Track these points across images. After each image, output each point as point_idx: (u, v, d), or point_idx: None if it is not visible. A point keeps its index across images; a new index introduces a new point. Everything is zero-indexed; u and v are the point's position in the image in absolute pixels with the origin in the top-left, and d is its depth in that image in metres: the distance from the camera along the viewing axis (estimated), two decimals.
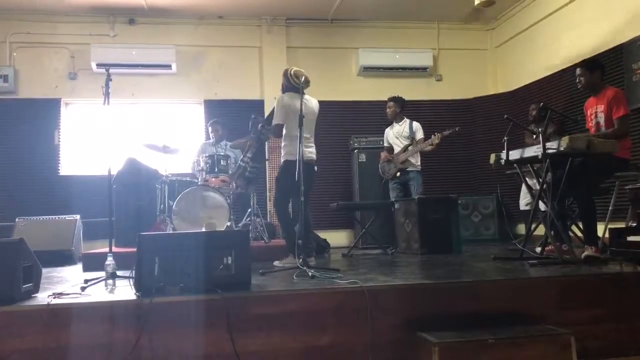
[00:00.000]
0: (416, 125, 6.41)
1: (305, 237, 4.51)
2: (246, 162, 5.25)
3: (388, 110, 6.62)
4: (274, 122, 4.77)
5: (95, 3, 7.40)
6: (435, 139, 6.03)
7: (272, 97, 7.98)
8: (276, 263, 4.62)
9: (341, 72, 8.37)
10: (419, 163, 6.36)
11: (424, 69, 8.42)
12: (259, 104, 8.02)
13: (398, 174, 6.40)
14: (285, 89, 4.85)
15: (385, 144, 6.74)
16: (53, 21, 7.60)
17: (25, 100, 7.49)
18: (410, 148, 6.31)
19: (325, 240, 6.44)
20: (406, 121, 6.50)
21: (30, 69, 7.60)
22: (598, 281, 3.40)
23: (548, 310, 3.18)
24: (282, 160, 4.84)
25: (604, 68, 4.65)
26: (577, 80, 4.64)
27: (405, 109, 6.65)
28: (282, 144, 4.84)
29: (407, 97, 6.76)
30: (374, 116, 8.00)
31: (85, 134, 7.78)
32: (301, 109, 4.32)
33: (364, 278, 3.45)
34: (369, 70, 8.32)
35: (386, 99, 6.73)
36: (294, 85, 4.73)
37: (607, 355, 3.16)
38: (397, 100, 6.59)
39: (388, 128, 6.72)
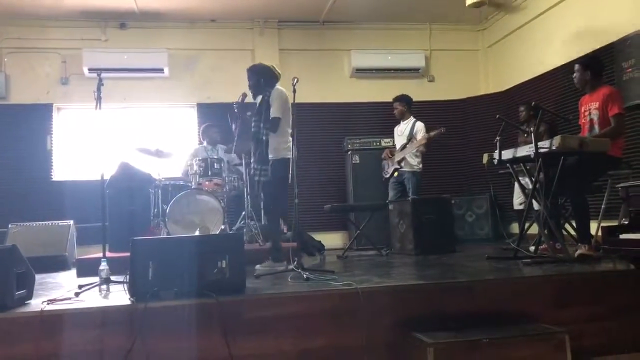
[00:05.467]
0: (419, 125, 6.40)
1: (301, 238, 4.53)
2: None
3: (395, 110, 6.66)
4: (275, 115, 4.58)
5: (86, 8, 7.38)
6: (422, 139, 6.09)
7: None
8: (258, 267, 4.51)
9: (334, 73, 8.38)
10: (416, 164, 6.35)
11: (417, 70, 8.44)
12: (252, 107, 8.00)
13: (395, 173, 6.43)
14: (265, 84, 4.73)
15: (394, 142, 6.80)
16: (44, 26, 7.57)
17: (17, 106, 7.46)
18: (407, 146, 6.34)
19: (319, 242, 6.43)
20: (411, 120, 6.52)
21: (21, 74, 7.57)
22: (591, 279, 3.42)
23: (542, 309, 3.19)
24: (280, 158, 4.59)
25: (598, 66, 4.66)
26: (573, 76, 4.69)
27: (412, 106, 6.68)
28: (277, 140, 4.62)
29: None
30: (368, 117, 8.03)
31: (78, 139, 7.76)
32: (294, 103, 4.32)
33: (358, 279, 3.45)
34: (362, 72, 8.33)
35: (380, 100, 6.75)
36: (277, 77, 4.73)
37: (601, 353, 3.18)
38: (400, 99, 6.62)
39: (396, 126, 6.77)
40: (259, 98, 4.84)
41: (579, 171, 4.26)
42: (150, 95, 7.88)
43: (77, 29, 7.68)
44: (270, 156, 4.65)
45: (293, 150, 4.28)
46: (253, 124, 4.76)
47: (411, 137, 6.38)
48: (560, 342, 2.80)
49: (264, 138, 4.64)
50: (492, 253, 5.04)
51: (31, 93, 7.55)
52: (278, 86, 4.74)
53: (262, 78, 4.77)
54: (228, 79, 8.01)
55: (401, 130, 6.58)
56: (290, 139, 4.54)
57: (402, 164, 6.38)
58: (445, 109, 8.36)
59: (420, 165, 6.38)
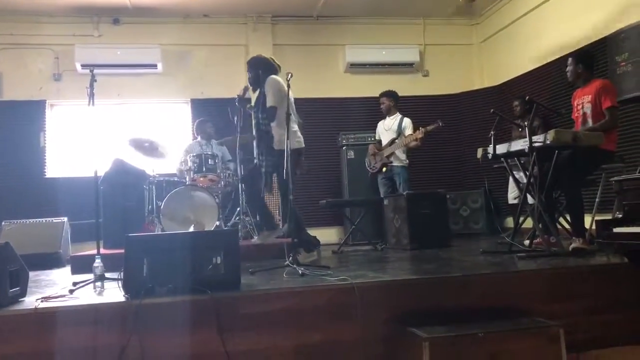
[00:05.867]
0: (406, 121, 6.41)
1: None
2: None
3: (382, 105, 6.64)
4: (270, 104, 4.53)
5: (78, 3, 7.33)
6: (419, 133, 6.05)
7: None
8: (255, 239, 4.65)
9: (328, 69, 8.37)
10: (404, 158, 6.37)
11: (411, 64, 8.44)
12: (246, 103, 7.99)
13: (384, 168, 6.42)
14: (264, 76, 4.67)
15: (376, 137, 6.77)
16: (36, 22, 7.52)
17: (10, 103, 7.42)
18: (397, 141, 6.33)
19: (315, 237, 6.42)
20: (398, 116, 6.52)
21: (14, 70, 7.52)
22: (586, 273, 3.43)
23: (537, 303, 3.20)
24: (284, 149, 4.30)
25: (589, 60, 4.69)
26: (566, 70, 4.72)
27: (399, 102, 6.67)
28: (280, 131, 4.50)
29: None
30: (362, 112, 8.01)
31: (72, 135, 7.72)
32: (289, 93, 4.30)
33: (353, 275, 3.45)
34: (356, 67, 8.32)
35: (375, 95, 6.75)
36: (276, 68, 4.71)
37: (595, 346, 3.19)
38: (388, 94, 6.60)
39: (380, 121, 6.74)
40: (258, 91, 4.82)
41: (573, 165, 4.28)
42: (144, 91, 7.85)
43: (69, 24, 7.64)
44: (276, 148, 4.61)
45: (288, 139, 4.21)
46: (253, 116, 4.75)
47: (400, 132, 6.37)
48: (554, 335, 2.81)
49: (263, 128, 4.62)
50: (487, 247, 5.05)
51: (24, 90, 7.50)
52: (273, 75, 4.68)
53: (261, 70, 4.72)
54: (221, 75, 8.01)
55: (388, 125, 6.57)
56: (295, 127, 4.55)
57: (392, 159, 6.38)
58: (440, 104, 8.37)
59: (408, 160, 6.40)
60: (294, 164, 4.41)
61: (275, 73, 4.73)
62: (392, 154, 6.35)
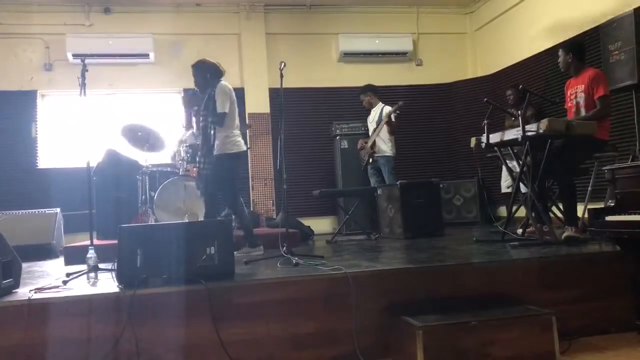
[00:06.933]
0: (386, 109, 6.52)
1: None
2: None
3: (363, 103, 6.78)
4: (220, 110, 4.64)
5: None
6: (385, 117, 6.23)
7: (252, 85, 7.96)
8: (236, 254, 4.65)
9: (321, 58, 8.33)
10: (388, 149, 6.46)
11: (404, 53, 8.41)
12: (240, 92, 7.94)
13: (370, 159, 6.49)
14: (212, 80, 4.79)
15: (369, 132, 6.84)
16: (26, 11, 7.42)
17: (0, 93, 7.35)
18: (375, 131, 6.41)
19: (309, 227, 6.44)
20: (380, 106, 6.60)
21: (3, 60, 7.44)
22: (578, 261, 3.46)
23: (529, 291, 3.23)
24: (224, 153, 4.68)
25: (579, 49, 4.70)
26: (558, 61, 4.74)
27: (379, 93, 6.75)
28: (222, 135, 4.69)
29: (387, 83, 6.83)
30: (356, 102, 7.96)
31: (64, 126, 7.66)
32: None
33: (347, 264, 3.46)
34: (350, 56, 8.29)
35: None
36: (222, 73, 4.82)
37: (587, 333, 3.21)
38: (365, 90, 6.76)
39: (368, 116, 6.80)
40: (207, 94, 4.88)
41: (566, 154, 4.29)
42: (136, 81, 7.79)
43: (60, 13, 7.55)
44: (215, 152, 4.70)
45: (281, 140, 4.28)
46: (202, 119, 4.80)
47: (380, 121, 6.45)
48: (547, 323, 2.83)
49: (211, 132, 4.70)
50: (480, 236, 5.08)
51: (14, 80, 7.43)
52: (222, 81, 4.78)
53: (209, 74, 4.82)
54: None
55: (372, 117, 6.73)
56: (237, 132, 4.71)
57: (376, 150, 6.46)
58: (433, 93, 8.36)
59: (394, 150, 6.49)
60: (231, 169, 4.71)
61: (221, 77, 4.80)
62: (374, 144, 6.44)
